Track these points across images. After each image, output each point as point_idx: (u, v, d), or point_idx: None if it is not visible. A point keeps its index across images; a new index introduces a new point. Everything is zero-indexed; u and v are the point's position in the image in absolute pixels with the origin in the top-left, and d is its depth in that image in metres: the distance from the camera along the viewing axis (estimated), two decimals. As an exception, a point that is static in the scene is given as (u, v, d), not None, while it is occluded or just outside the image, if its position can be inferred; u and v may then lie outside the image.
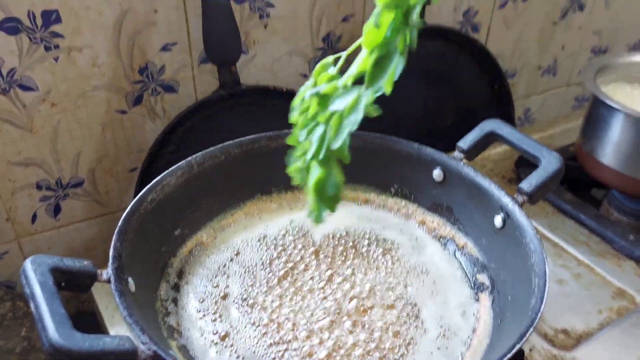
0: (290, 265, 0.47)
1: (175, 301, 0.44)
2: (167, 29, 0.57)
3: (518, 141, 0.48)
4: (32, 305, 0.33)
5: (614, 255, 0.59)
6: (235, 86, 0.59)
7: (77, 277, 0.37)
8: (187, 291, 0.45)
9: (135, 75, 0.58)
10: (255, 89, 0.61)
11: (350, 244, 0.49)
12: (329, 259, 0.48)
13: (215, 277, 0.46)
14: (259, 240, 0.49)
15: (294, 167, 0.31)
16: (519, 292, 0.42)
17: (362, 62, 0.28)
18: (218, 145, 0.50)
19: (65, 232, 0.62)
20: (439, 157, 0.50)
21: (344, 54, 0.30)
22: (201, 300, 0.44)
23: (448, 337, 0.42)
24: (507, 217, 0.45)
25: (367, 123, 0.29)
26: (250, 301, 0.44)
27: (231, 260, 0.48)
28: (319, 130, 0.29)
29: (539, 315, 0.37)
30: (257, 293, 0.45)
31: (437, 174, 0.51)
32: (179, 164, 0.48)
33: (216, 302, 0.44)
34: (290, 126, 0.32)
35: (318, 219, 0.31)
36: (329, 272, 0.46)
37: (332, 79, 0.30)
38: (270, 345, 0.41)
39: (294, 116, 0.31)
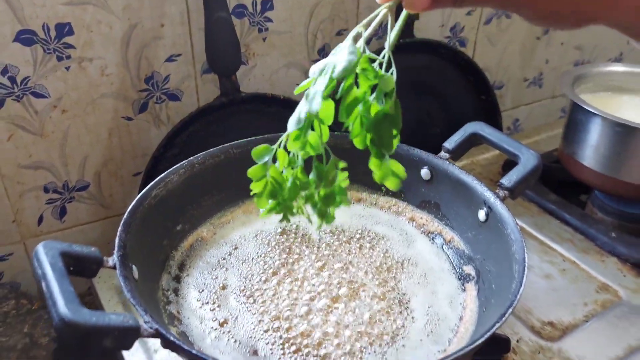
0: (284, 257, 0.49)
1: (176, 291, 0.47)
2: (172, 42, 0.61)
3: (499, 140, 0.52)
4: (43, 284, 0.35)
5: (597, 252, 0.61)
6: (235, 94, 0.63)
7: (84, 262, 0.39)
8: (188, 282, 0.47)
9: (142, 84, 0.61)
10: (254, 96, 0.64)
11: (344, 239, 0.52)
12: (322, 253, 0.50)
13: (215, 269, 0.49)
14: (255, 236, 0.52)
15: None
16: (502, 282, 0.44)
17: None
18: (218, 146, 0.53)
19: (70, 234, 0.64)
20: (426, 157, 0.53)
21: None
22: (201, 290, 0.47)
23: (437, 324, 0.44)
24: (490, 211, 0.48)
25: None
26: (248, 292, 0.46)
27: (230, 254, 0.50)
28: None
29: (518, 297, 0.39)
30: (254, 284, 0.47)
31: (424, 173, 0.54)
32: (182, 162, 0.50)
33: (215, 292, 0.46)
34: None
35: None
36: (322, 264, 0.49)
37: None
38: (267, 331, 0.43)
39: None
